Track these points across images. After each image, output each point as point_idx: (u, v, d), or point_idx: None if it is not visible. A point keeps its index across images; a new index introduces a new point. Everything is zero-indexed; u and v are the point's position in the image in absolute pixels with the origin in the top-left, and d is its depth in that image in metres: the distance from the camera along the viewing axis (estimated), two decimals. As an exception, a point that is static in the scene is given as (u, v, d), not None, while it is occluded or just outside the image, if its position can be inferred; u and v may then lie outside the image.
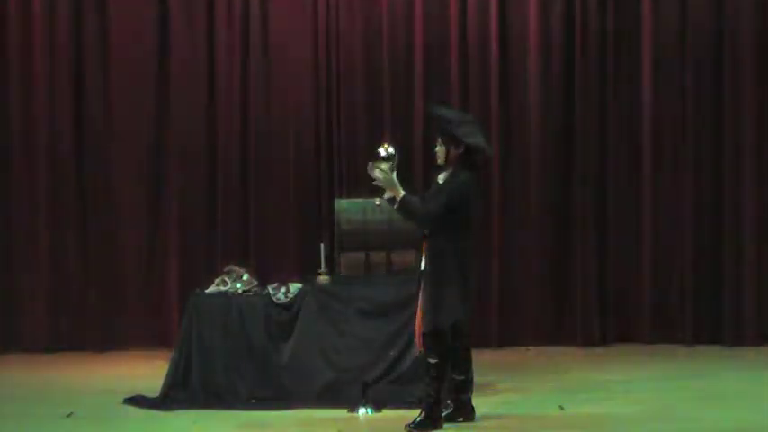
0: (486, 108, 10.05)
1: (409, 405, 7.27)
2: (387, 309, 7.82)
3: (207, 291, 8.12)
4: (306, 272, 9.22)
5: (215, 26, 10.18)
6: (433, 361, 6.88)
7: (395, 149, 6.93)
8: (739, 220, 9.98)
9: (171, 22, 10.18)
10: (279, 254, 10.08)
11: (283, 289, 8.00)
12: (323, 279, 8.11)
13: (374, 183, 6.83)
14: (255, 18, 10.17)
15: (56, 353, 10.04)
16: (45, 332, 10.16)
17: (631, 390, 8.08)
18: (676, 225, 10.09)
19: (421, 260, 7.04)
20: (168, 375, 7.87)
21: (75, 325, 10.20)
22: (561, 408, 7.46)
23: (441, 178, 7.00)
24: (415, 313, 7.07)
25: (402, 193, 6.78)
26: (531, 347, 10.02)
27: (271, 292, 8.00)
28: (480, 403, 7.27)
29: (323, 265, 8.21)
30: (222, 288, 8.09)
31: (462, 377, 7.12)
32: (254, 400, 7.72)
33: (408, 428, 6.87)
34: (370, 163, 6.83)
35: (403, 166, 7.12)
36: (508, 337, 10.07)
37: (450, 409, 7.10)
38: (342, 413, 7.37)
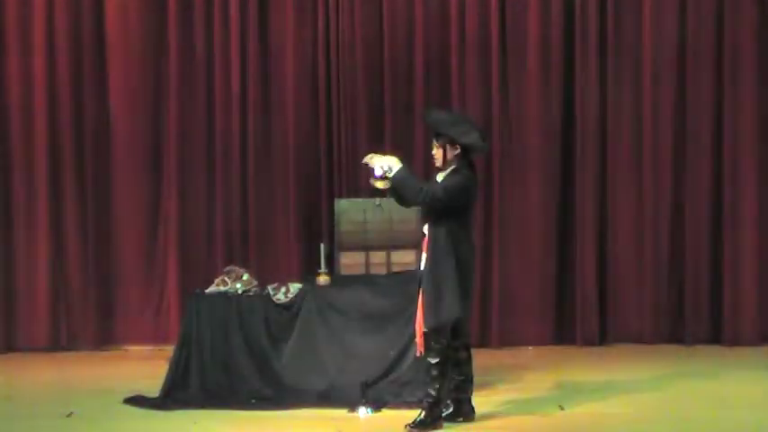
0: (486, 108, 10.05)
1: (409, 405, 7.28)
2: (387, 308, 7.82)
3: (207, 291, 8.12)
4: (306, 272, 9.24)
5: (214, 26, 10.17)
6: (433, 361, 6.89)
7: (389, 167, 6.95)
8: (739, 220, 9.97)
9: (171, 21, 10.17)
10: (279, 254, 10.08)
11: (283, 289, 8.01)
12: (323, 279, 8.11)
13: (372, 180, 6.86)
14: (255, 18, 10.16)
15: (56, 353, 10.05)
16: (45, 332, 10.16)
17: (631, 390, 8.08)
18: (676, 225, 10.08)
19: (421, 260, 7.05)
20: (168, 375, 7.88)
21: (76, 325, 10.19)
22: (561, 408, 7.46)
23: (439, 177, 7.01)
24: (415, 313, 7.07)
25: (400, 164, 6.82)
26: (531, 347, 10.02)
27: (271, 292, 8.00)
28: (480, 403, 7.27)
29: (323, 265, 8.21)
30: (222, 288, 8.09)
31: (462, 377, 7.13)
32: (254, 400, 7.72)
33: (408, 428, 6.88)
34: (370, 167, 6.88)
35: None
36: (508, 337, 10.06)
37: (450, 409, 7.11)
38: (342, 413, 7.38)
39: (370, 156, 7.01)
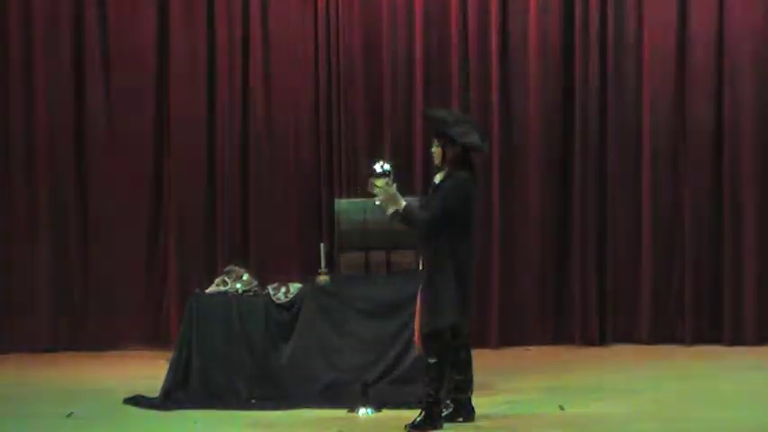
0: (486, 108, 10.05)
1: (409, 405, 7.27)
2: (387, 309, 7.82)
3: (207, 291, 8.12)
4: (306, 272, 9.24)
5: (215, 26, 10.18)
6: (432, 361, 6.88)
7: (390, 165, 6.90)
8: (739, 220, 9.98)
9: (171, 22, 10.18)
10: (279, 254, 10.08)
11: (283, 289, 8.00)
12: (323, 279, 8.11)
13: (375, 200, 6.85)
14: (256, 18, 10.18)
15: (56, 353, 10.05)
16: (45, 332, 10.16)
17: (631, 390, 8.08)
18: (676, 225, 10.09)
19: (420, 260, 7.05)
20: (168, 375, 7.87)
21: (76, 325, 10.20)
22: (561, 408, 7.46)
23: (438, 178, 7.01)
24: (415, 313, 7.07)
25: (403, 204, 6.78)
26: (531, 347, 10.02)
27: (271, 292, 8.00)
28: (480, 403, 7.27)
29: (323, 265, 8.21)
30: (222, 288, 8.09)
31: (462, 377, 7.12)
32: (254, 400, 7.72)
33: (408, 428, 6.87)
34: (370, 180, 6.84)
35: (403, 166, 7.13)
36: (508, 337, 10.07)
37: (450, 409, 7.10)
38: (342, 413, 7.37)
39: (378, 189, 6.89)
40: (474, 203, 7.06)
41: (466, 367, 7.14)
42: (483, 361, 8.19)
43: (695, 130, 10.02)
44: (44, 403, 7.96)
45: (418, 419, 6.89)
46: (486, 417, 7.19)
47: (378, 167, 6.90)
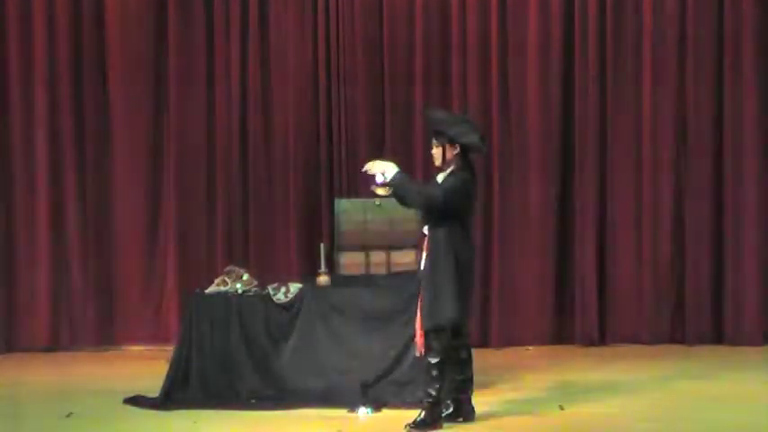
0: (486, 108, 10.05)
1: (409, 405, 7.27)
2: (387, 309, 7.82)
3: (207, 291, 8.12)
4: (306, 272, 9.24)
5: (215, 26, 10.17)
6: (433, 361, 6.89)
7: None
8: (740, 220, 9.97)
9: (170, 22, 10.17)
10: (279, 254, 10.08)
11: (283, 289, 8.00)
12: (323, 279, 8.11)
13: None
14: (255, 18, 10.16)
15: (56, 353, 10.05)
16: (45, 332, 10.16)
17: (631, 390, 8.08)
18: (676, 225, 10.08)
19: (421, 260, 7.06)
20: (168, 375, 7.87)
21: (76, 325, 10.20)
22: (561, 408, 7.46)
23: (439, 178, 7.02)
24: (416, 313, 7.08)
25: (397, 168, 6.82)
26: (531, 347, 10.02)
27: (271, 292, 8.00)
28: (480, 403, 7.27)
29: (323, 265, 8.21)
30: (222, 288, 8.09)
31: (462, 377, 7.13)
32: (254, 400, 7.72)
33: (408, 428, 6.88)
34: (372, 187, 6.89)
35: (403, 166, 7.12)
36: (508, 337, 10.06)
37: (450, 409, 7.11)
38: (342, 413, 7.38)
39: (370, 163, 7.01)
40: (474, 203, 7.07)
41: (466, 367, 7.15)
42: (483, 361, 8.20)
43: (696, 130, 10.01)
44: (44, 403, 7.96)
45: (418, 419, 6.90)
46: (486, 417, 7.20)
47: (379, 176, 6.92)
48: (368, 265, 8.30)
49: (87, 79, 10.20)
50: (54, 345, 10.14)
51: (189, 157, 10.21)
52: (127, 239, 10.24)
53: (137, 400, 7.81)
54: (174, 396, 7.78)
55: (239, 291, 8.05)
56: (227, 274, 8.19)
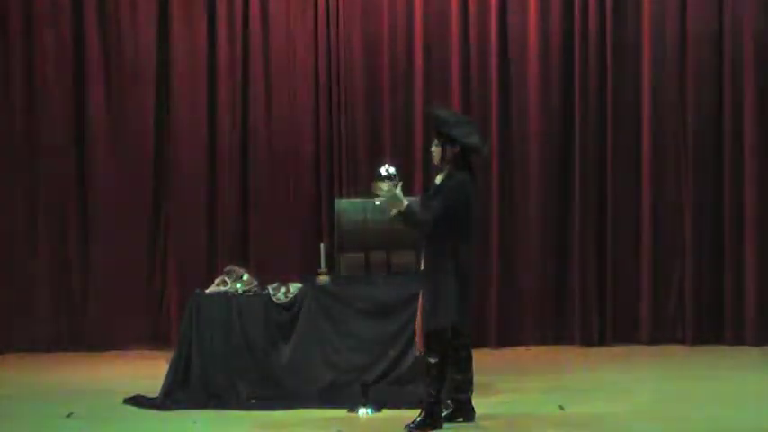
0: (486, 109, 10.05)
1: (409, 405, 7.27)
2: (387, 309, 7.82)
3: (207, 291, 8.12)
4: (306, 272, 9.23)
5: (216, 26, 10.17)
6: (433, 361, 6.88)
7: (395, 169, 6.88)
8: (740, 220, 9.98)
9: (171, 22, 10.17)
10: (279, 254, 10.08)
11: (283, 289, 8.00)
12: (323, 279, 8.11)
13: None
14: (256, 18, 10.18)
15: (56, 353, 10.05)
16: (45, 332, 10.16)
17: (631, 390, 8.08)
18: (676, 225, 10.09)
19: (421, 260, 7.05)
20: (168, 375, 7.87)
21: (76, 325, 10.20)
22: (561, 408, 7.46)
23: (438, 179, 7.02)
24: (416, 313, 7.08)
25: (405, 204, 6.76)
26: (531, 347, 10.02)
27: (271, 292, 8.00)
28: (480, 403, 7.27)
29: (323, 265, 8.21)
30: (222, 288, 8.09)
31: (462, 377, 7.12)
32: (254, 400, 7.72)
33: (408, 428, 6.87)
34: (374, 183, 6.84)
35: (403, 166, 7.12)
36: (508, 337, 10.07)
37: (451, 409, 7.10)
38: (342, 413, 7.37)
39: (380, 187, 6.90)
40: (473, 204, 7.07)
41: (466, 367, 7.14)
42: (483, 361, 8.20)
43: (696, 130, 10.02)
44: (44, 403, 7.96)
45: (418, 419, 6.90)
46: (486, 417, 7.19)
47: (383, 171, 6.90)
48: (368, 265, 8.30)
49: (88, 80, 10.20)
50: (54, 345, 10.14)
51: (189, 156, 10.21)
52: (127, 239, 10.23)
53: (137, 400, 7.80)
54: (174, 396, 7.78)
55: (239, 291, 8.06)
56: (227, 274, 8.19)
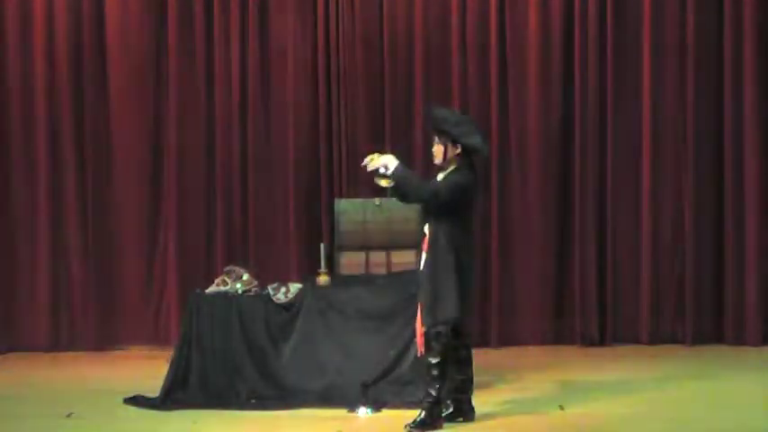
0: (486, 109, 10.04)
1: (409, 405, 7.27)
2: (387, 309, 7.82)
3: (207, 291, 8.12)
4: (306, 272, 9.24)
5: (214, 26, 10.17)
6: (433, 361, 6.89)
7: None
8: (740, 220, 9.96)
9: (170, 22, 10.16)
10: (279, 254, 10.07)
11: (283, 289, 8.00)
12: (323, 279, 8.11)
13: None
14: (255, 18, 10.16)
15: (56, 353, 10.05)
16: (45, 332, 10.15)
17: (631, 390, 8.08)
18: (676, 225, 10.09)
19: (421, 260, 7.06)
20: (168, 375, 7.87)
21: (75, 325, 10.20)
22: (561, 408, 7.46)
23: (439, 177, 7.02)
24: (416, 313, 7.08)
25: (397, 162, 6.81)
26: (531, 347, 10.01)
27: (271, 292, 8.00)
28: (480, 403, 7.27)
29: (323, 265, 8.21)
30: (222, 288, 8.09)
31: (462, 377, 7.13)
32: (253, 400, 7.72)
33: (408, 428, 6.88)
34: (375, 180, 6.87)
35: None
36: (508, 337, 10.06)
37: (451, 409, 7.11)
38: (342, 413, 7.38)
39: (369, 157, 7.00)
40: (474, 202, 7.07)
41: (466, 367, 7.15)
42: (483, 361, 8.20)
43: (696, 130, 10.01)
44: (44, 403, 7.96)
45: (418, 419, 6.90)
46: (486, 417, 7.20)
47: (381, 169, 6.91)
48: (368, 265, 8.30)
49: (87, 79, 10.19)
50: (54, 345, 10.14)
51: (189, 156, 10.20)
52: (127, 239, 10.23)
53: (137, 400, 7.81)
54: (174, 396, 7.78)
55: (239, 291, 8.06)
56: (227, 274, 8.20)
